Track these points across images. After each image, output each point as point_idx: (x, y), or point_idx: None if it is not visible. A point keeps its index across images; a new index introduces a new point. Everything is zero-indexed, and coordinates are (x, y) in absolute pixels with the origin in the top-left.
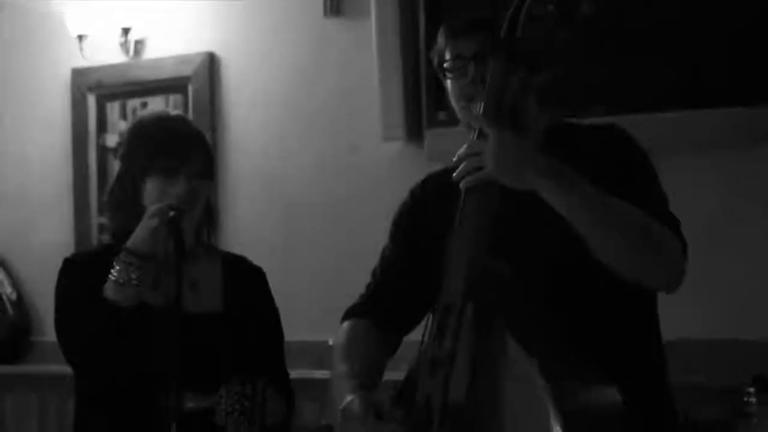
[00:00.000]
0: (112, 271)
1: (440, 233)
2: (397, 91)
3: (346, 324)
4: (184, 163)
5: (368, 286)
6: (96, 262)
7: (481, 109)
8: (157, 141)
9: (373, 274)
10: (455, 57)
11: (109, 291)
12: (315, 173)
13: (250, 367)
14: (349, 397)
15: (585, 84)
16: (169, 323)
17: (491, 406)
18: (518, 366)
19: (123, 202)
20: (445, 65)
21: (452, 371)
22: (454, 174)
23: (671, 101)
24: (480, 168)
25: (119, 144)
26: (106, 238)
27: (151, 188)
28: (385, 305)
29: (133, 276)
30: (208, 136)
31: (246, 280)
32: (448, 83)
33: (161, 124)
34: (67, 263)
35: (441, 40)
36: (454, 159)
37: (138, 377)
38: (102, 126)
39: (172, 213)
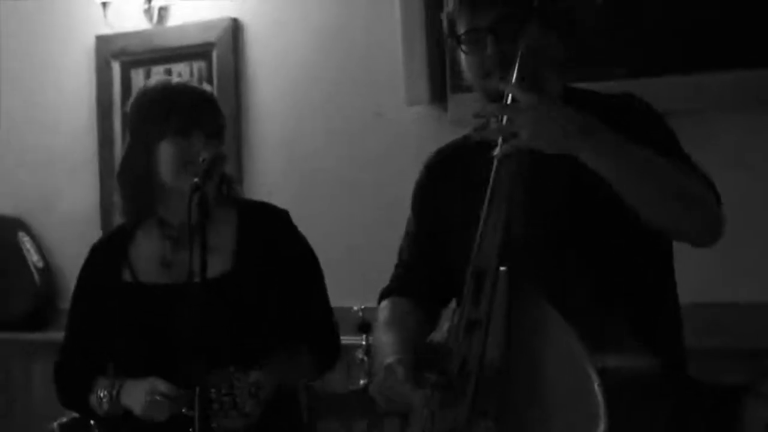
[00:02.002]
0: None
1: (458, 203)
2: (420, 55)
3: (383, 303)
4: (195, 122)
5: (397, 266)
6: (114, 245)
7: (515, 76)
8: (168, 103)
9: (400, 252)
10: (471, 30)
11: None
12: (339, 138)
13: (278, 321)
14: (388, 361)
15: (604, 47)
16: (193, 297)
17: (528, 370)
18: (554, 329)
19: (138, 176)
20: (461, 38)
21: (487, 335)
22: (478, 137)
23: (693, 63)
24: (514, 135)
25: (127, 117)
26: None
27: (165, 153)
28: (417, 282)
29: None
30: (232, 102)
31: (268, 227)
32: (463, 55)
33: (166, 88)
34: (91, 253)
35: (453, 5)
36: (476, 116)
37: (161, 353)
38: (126, 93)
39: (195, 180)
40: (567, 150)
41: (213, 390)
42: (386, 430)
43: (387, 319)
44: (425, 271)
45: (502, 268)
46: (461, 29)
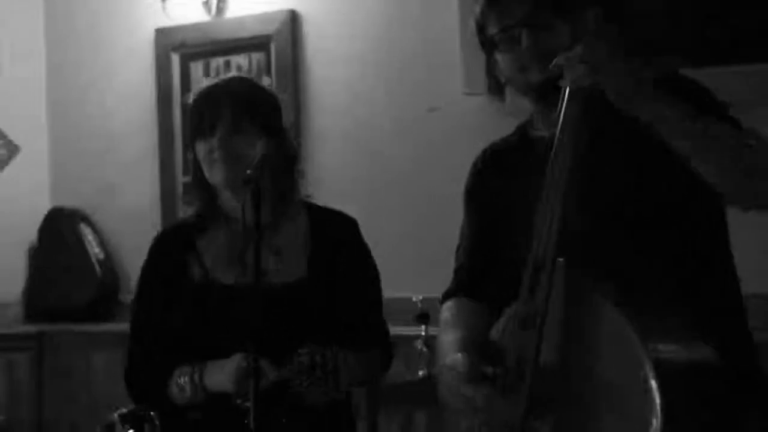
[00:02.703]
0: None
1: (510, 199)
2: (478, 46)
3: (446, 304)
4: (216, 118)
5: (457, 269)
6: (181, 238)
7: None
8: (196, 103)
9: (457, 253)
10: (504, 27)
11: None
12: (397, 129)
13: (342, 326)
14: (450, 357)
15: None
16: (252, 297)
17: (583, 363)
18: (611, 323)
19: (196, 175)
20: (495, 39)
21: (543, 330)
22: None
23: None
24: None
25: None
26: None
27: (198, 154)
28: (477, 281)
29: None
30: (290, 94)
31: (338, 235)
32: (498, 55)
33: (204, 89)
34: (156, 244)
35: (480, 8)
36: (556, 62)
37: (223, 352)
38: (186, 85)
39: (248, 173)
40: (637, 108)
41: (318, 356)
42: (446, 421)
43: (448, 319)
44: (484, 270)
45: (558, 260)
46: (493, 30)
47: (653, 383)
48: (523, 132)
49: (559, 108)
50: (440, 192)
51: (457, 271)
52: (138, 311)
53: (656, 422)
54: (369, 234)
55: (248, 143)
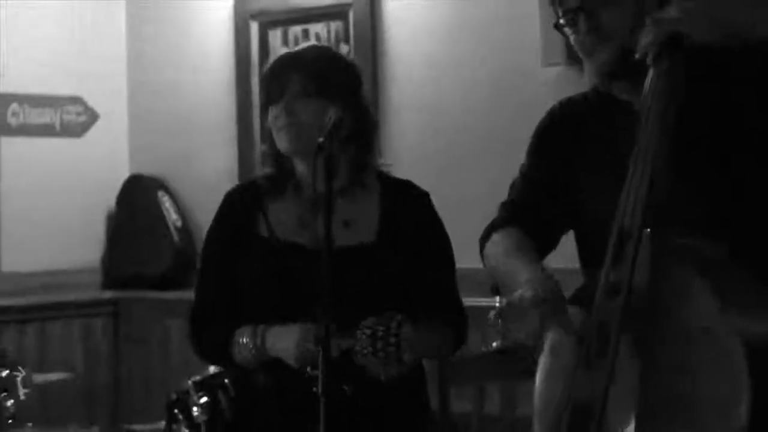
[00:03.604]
0: None
1: (580, 155)
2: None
3: (500, 232)
4: (284, 85)
5: (506, 203)
6: (251, 197)
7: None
8: (267, 71)
9: (511, 189)
10: (566, 11)
11: None
12: (475, 100)
13: (413, 296)
14: (523, 285)
15: None
16: (320, 262)
17: (669, 335)
18: (698, 295)
19: (271, 139)
20: (560, 21)
21: (628, 301)
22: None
23: None
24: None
25: None
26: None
27: (269, 120)
28: (528, 217)
29: None
30: (368, 64)
31: (408, 206)
32: (569, 35)
33: (277, 57)
34: (226, 200)
35: None
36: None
37: (292, 312)
38: (264, 53)
39: (320, 141)
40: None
41: (381, 328)
42: (519, 392)
43: (508, 246)
44: (536, 211)
45: (646, 230)
46: (559, 11)
47: (742, 356)
48: (601, 91)
49: (648, 76)
50: (517, 164)
51: (505, 204)
52: (203, 266)
53: (746, 399)
54: (444, 206)
55: (317, 111)
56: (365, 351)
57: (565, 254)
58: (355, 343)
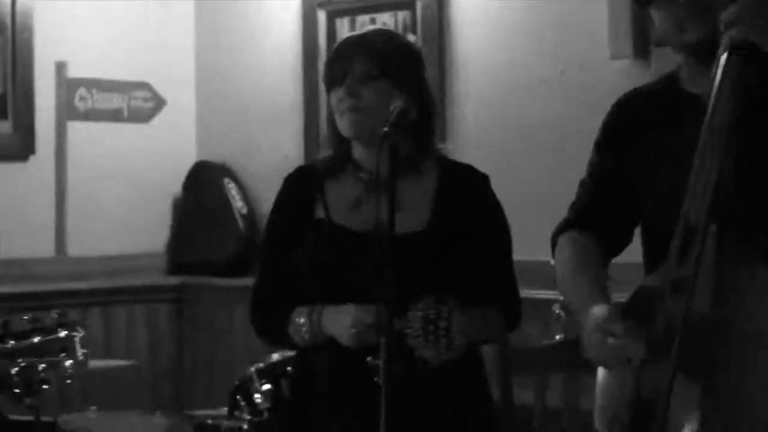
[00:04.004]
0: None
1: (650, 147)
2: (625, 8)
3: (567, 236)
4: (348, 67)
5: (576, 202)
6: (311, 179)
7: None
8: (331, 54)
9: (581, 187)
10: None
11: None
12: (542, 91)
13: (467, 279)
14: (597, 309)
15: None
16: (378, 247)
17: (735, 333)
18: (765, 292)
19: (332, 122)
20: None
21: (694, 296)
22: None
23: None
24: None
25: None
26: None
27: (331, 103)
28: (599, 217)
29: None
30: (435, 54)
31: (466, 188)
32: (655, 14)
33: (341, 40)
34: (285, 183)
35: None
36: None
37: (344, 296)
38: (331, 42)
39: (384, 129)
40: None
41: (432, 312)
42: (582, 385)
43: (574, 256)
44: (608, 208)
45: (712, 226)
46: None
47: None
48: (669, 83)
49: (716, 66)
50: (582, 157)
51: (573, 205)
52: (264, 248)
53: None
54: (506, 198)
55: (379, 94)
56: (416, 334)
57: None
58: (406, 324)
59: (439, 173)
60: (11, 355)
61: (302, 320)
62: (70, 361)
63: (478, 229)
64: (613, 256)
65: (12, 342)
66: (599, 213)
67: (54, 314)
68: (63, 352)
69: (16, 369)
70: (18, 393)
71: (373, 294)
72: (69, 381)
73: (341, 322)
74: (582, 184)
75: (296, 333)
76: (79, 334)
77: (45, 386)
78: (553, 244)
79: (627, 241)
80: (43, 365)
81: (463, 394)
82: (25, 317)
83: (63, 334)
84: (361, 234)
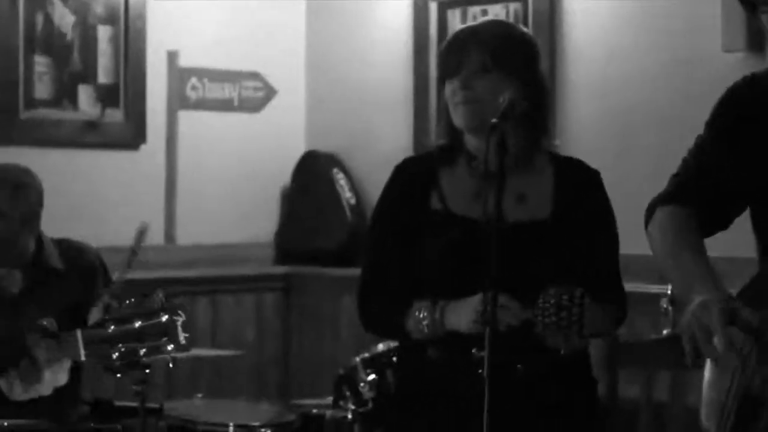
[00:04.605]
0: None
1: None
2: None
3: (665, 210)
4: (462, 59)
5: (677, 175)
6: (424, 169)
7: None
8: (445, 44)
9: (684, 162)
10: None
11: None
12: (654, 83)
13: (580, 272)
14: (700, 298)
15: None
16: (491, 236)
17: None
18: None
19: (443, 117)
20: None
21: None
22: None
23: None
24: None
25: None
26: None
27: (445, 95)
28: (700, 194)
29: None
30: (546, 45)
31: (580, 184)
32: (762, 16)
33: (455, 30)
34: (396, 173)
35: None
36: None
37: (461, 285)
38: (443, 33)
39: (494, 121)
40: None
41: (566, 296)
42: (689, 380)
43: (675, 232)
44: (707, 186)
45: None
46: None
47: None
48: None
49: None
50: None
51: (674, 177)
52: (372, 237)
53: None
54: (615, 189)
55: (494, 87)
56: (548, 320)
57: (728, 241)
58: (536, 312)
59: (553, 167)
60: (112, 340)
61: (424, 314)
62: (172, 346)
63: (591, 224)
64: (706, 236)
65: (113, 326)
66: (699, 189)
67: (159, 294)
68: (164, 336)
69: (117, 353)
70: (120, 378)
71: (489, 287)
72: (171, 365)
73: (463, 312)
74: (686, 159)
75: (415, 327)
76: (180, 319)
77: (146, 370)
78: (649, 213)
79: (724, 224)
80: (144, 350)
81: (568, 387)
82: (127, 301)
83: (165, 318)
84: (480, 223)
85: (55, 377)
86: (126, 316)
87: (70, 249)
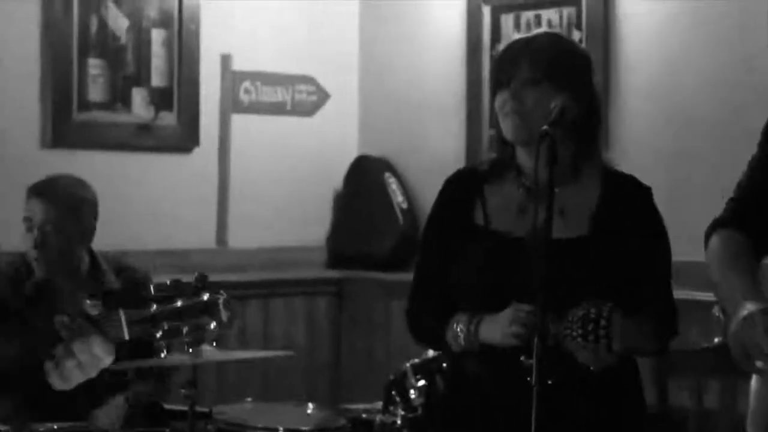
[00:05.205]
0: None
1: None
2: None
3: (721, 234)
4: (513, 70)
5: (733, 199)
6: (472, 183)
7: None
8: (496, 58)
9: (739, 185)
10: None
11: None
12: (709, 89)
13: (623, 289)
14: (749, 309)
15: None
16: (533, 253)
17: None
18: None
19: (496, 128)
20: None
21: None
22: None
23: None
24: None
25: None
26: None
27: (496, 106)
28: (752, 218)
29: None
30: (599, 51)
31: (628, 200)
32: None
33: (509, 42)
34: (445, 186)
35: None
36: None
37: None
38: (496, 38)
39: (544, 128)
40: None
41: (593, 311)
42: (740, 389)
43: (728, 255)
44: (761, 210)
45: None
46: None
47: None
48: None
49: None
50: (748, 157)
51: (730, 201)
52: (422, 250)
53: None
54: (668, 197)
55: (544, 99)
56: (575, 334)
57: None
58: (565, 327)
59: (602, 181)
60: (154, 319)
61: (460, 327)
62: (214, 323)
63: (639, 242)
64: (762, 258)
65: (155, 306)
66: (754, 213)
67: (197, 275)
68: (206, 314)
69: (160, 332)
70: (165, 357)
71: (530, 300)
72: (215, 344)
73: (497, 325)
74: (740, 182)
75: (453, 339)
76: (222, 297)
77: (190, 350)
78: (707, 237)
79: None
80: (187, 328)
81: (617, 398)
82: (167, 281)
83: (206, 296)
84: (519, 239)
85: (97, 359)
86: (167, 296)
87: (123, 268)
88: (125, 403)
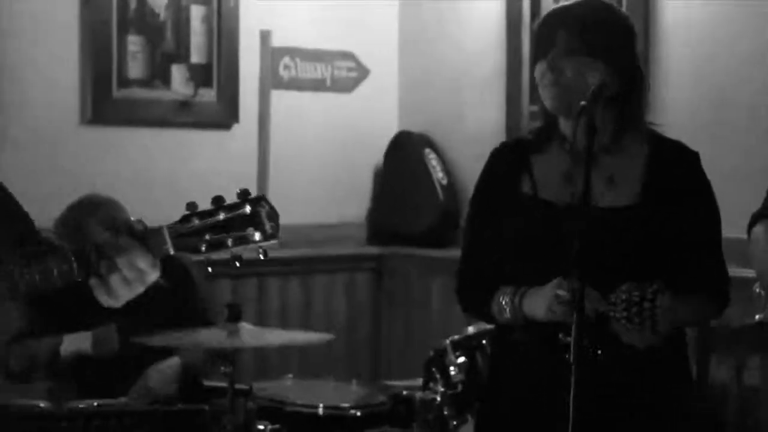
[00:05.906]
0: None
1: None
2: None
3: (762, 225)
4: (551, 40)
5: None
6: (517, 153)
7: None
8: (536, 27)
9: None
10: None
11: None
12: (750, 67)
13: (675, 256)
14: None
15: None
16: (576, 220)
17: None
18: None
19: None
20: None
21: None
22: None
23: None
24: None
25: None
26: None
27: (536, 77)
28: None
29: None
30: (640, 23)
31: (677, 166)
32: None
33: (549, 10)
34: (490, 155)
35: None
36: None
37: (550, 271)
38: (535, 11)
39: (582, 104)
40: None
41: (636, 294)
42: None
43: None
44: None
45: None
46: None
47: None
48: None
49: None
50: None
51: None
52: (469, 223)
53: None
54: (711, 171)
55: (583, 69)
56: (619, 316)
57: None
58: (610, 308)
59: (649, 149)
60: (198, 232)
61: (506, 300)
62: (259, 234)
63: (688, 209)
64: None
65: (197, 220)
66: None
67: (239, 189)
68: (251, 226)
69: (205, 245)
70: (211, 273)
71: (578, 271)
72: (263, 257)
73: (540, 299)
74: None
75: (498, 312)
76: (265, 209)
77: (237, 263)
78: (750, 228)
79: None
80: (231, 239)
81: (663, 372)
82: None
83: (248, 209)
84: (567, 208)
85: (143, 273)
86: (209, 210)
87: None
88: (180, 366)
